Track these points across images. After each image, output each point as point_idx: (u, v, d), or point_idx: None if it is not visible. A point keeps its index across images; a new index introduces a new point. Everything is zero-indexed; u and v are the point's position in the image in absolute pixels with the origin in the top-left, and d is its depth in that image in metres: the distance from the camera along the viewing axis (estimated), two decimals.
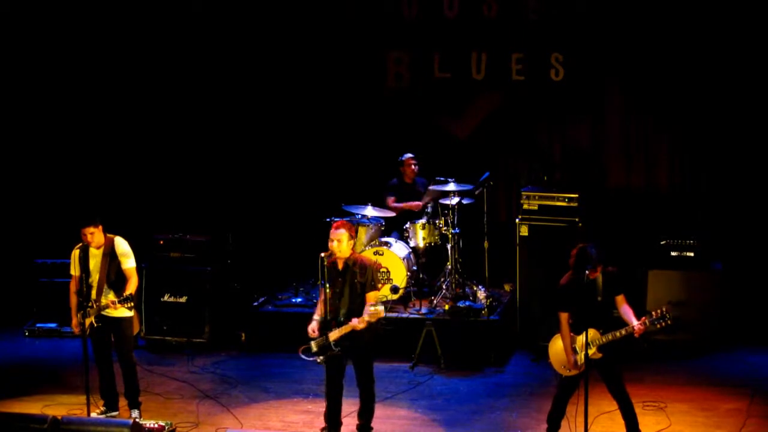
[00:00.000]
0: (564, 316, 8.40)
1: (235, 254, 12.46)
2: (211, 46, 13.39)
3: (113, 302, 9.12)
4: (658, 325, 8.17)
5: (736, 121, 12.18)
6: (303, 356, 8.81)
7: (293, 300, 11.97)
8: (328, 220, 11.31)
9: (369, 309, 8.59)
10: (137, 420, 9.00)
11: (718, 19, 12.03)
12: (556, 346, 8.53)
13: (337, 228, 8.71)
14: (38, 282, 12.33)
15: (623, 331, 8.20)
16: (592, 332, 8.24)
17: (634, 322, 8.14)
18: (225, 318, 11.89)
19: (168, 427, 9.04)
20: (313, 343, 8.73)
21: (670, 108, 12.43)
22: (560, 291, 8.39)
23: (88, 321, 9.21)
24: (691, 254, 11.38)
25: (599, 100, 12.66)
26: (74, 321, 9.31)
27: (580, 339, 8.27)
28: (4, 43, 13.42)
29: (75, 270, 9.38)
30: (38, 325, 12.34)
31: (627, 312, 8.32)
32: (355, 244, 8.99)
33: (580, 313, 8.36)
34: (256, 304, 11.94)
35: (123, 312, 9.31)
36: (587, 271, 8.17)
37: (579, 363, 8.30)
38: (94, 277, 9.32)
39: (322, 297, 8.74)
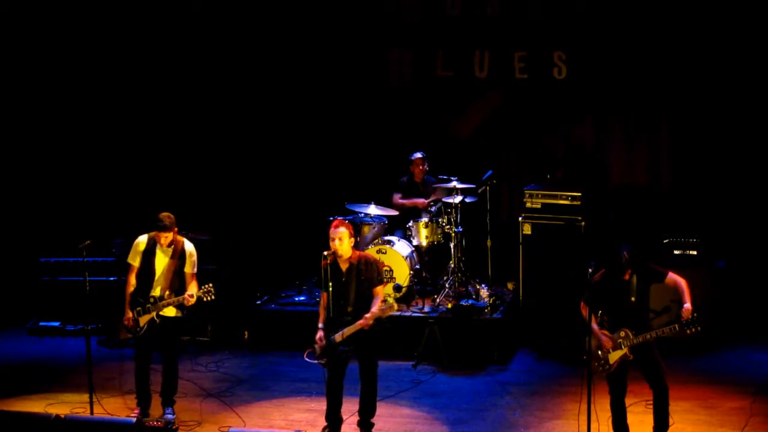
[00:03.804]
0: (585, 310, 8.39)
1: (237, 253, 12.46)
2: (211, 46, 13.38)
3: (191, 295, 9.09)
4: (688, 331, 8.17)
5: (740, 119, 12.19)
6: (308, 359, 8.85)
7: (296, 298, 11.98)
8: (330, 218, 11.32)
9: (380, 304, 8.64)
10: (140, 418, 9.02)
11: (721, 16, 12.03)
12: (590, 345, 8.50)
13: (337, 227, 8.71)
14: (41, 280, 12.33)
15: (653, 334, 8.23)
16: (624, 332, 8.27)
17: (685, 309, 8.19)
18: (228, 316, 11.89)
19: (171, 425, 9.03)
20: (317, 346, 8.76)
21: (673, 106, 12.43)
22: (589, 286, 8.37)
23: (145, 318, 9.21)
24: (694, 252, 11.39)
25: (602, 97, 12.66)
26: (128, 315, 9.27)
27: (615, 336, 8.32)
28: (4, 44, 13.42)
29: (136, 261, 9.33)
30: (41, 323, 12.35)
31: (682, 291, 8.36)
32: (356, 242, 9.00)
33: (613, 314, 8.37)
34: (259, 302, 11.95)
35: (177, 312, 9.30)
36: (618, 273, 8.19)
37: (609, 362, 8.32)
38: (159, 277, 9.27)
39: (323, 303, 8.79)
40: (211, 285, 9.21)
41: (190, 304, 9.17)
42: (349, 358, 8.82)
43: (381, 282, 8.88)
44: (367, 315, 8.59)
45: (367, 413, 8.95)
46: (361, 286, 8.74)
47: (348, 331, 8.62)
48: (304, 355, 8.90)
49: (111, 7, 13.40)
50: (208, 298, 9.18)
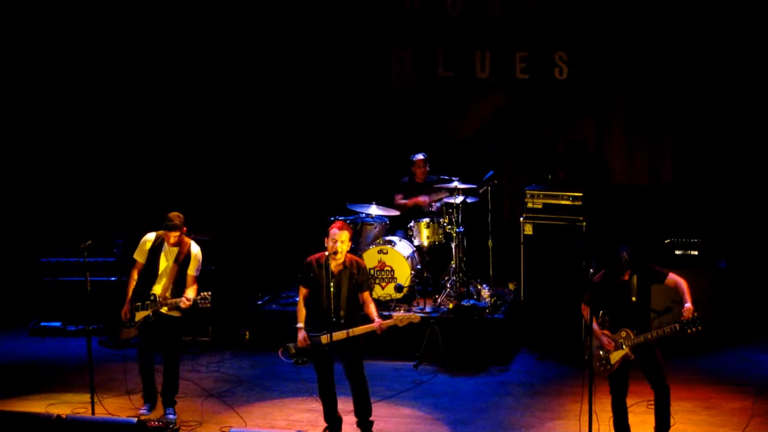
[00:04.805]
0: (586, 311, 8.40)
1: (238, 253, 12.46)
2: (211, 46, 13.38)
3: (188, 299, 9.09)
4: (689, 331, 8.17)
5: (741, 119, 12.18)
6: (282, 358, 8.83)
7: (297, 299, 11.90)
8: (331, 219, 11.33)
9: (399, 315, 8.72)
10: (141, 417, 9.03)
11: (721, 16, 12.02)
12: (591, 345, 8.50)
13: (341, 228, 8.68)
14: (42, 281, 12.32)
15: (655, 334, 8.24)
16: (625, 332, 8.27)
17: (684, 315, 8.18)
18: (229, 317, 11.89)
19: (172, 425, 9.04)
20: (291, 345, 8.76)
21: (675, 106, 12.42)
22: (589, 286, 8.37)
23: (142, 314, 9.23)
24: (695, 252, 11.38)
25: (603, 98, 12.65)
26: (125, 308, 9.32)
27: (616, 336, 8.33)
28: (4, 44, 13.42)
29: (142, 257, 9.37)
30: (42, 323, 12.34)
31: (683, 291, 8.36)
32: (356, 242, 8.99)
33: (613, 314, 8.37)
34: (259, 302, 11.95)
35: (174, 311, 9.31)
36: (618, 274, 8.20)
37: (611, 362, 8.33)
38: (162, 276, 9.29)
39: (302, 302, 8.81)
40: (209, 293, 9.22)
41: (185, 307, 9.16)
42: (334, 359, 8.82)
43: (370, 287, 8.94)
44: (383, 323, 8.60)
45: (363, 413, 8.94)
46: (352, 289, 8.74)
47: (351, 333, 8.60)
48: (279, 353, 8.88)
49: (111, 8, 13.39)
50: (205, 305, 9.18)
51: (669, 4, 12.23)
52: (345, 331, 8.61)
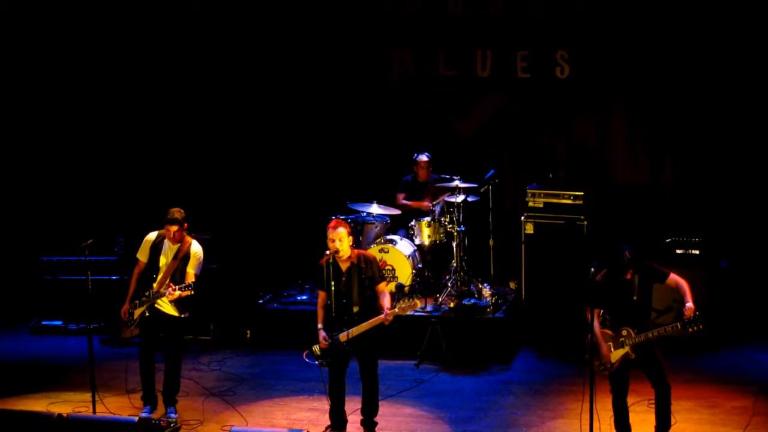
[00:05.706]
0: (595, 313, 8.40)
1: (239, 252, 12.47)
2: (211, 46, 13.38)
3: (173, 288, 9.05)
4: (690, 329, 8.18)
5: (742, 118, 12.18)
6: (307, 360, 8.84)
7: (298, 297, 11.99)
8: (332, 218, 11.33)
9: (400, 303, 8.65)
10: (143, 416, 9.04)
11: (722, 14, 12.02)
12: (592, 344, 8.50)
13: (335, 227, 8.69)
14: (43, 279, 12.33)
15: (656, 333, 8.24)
16: (626, 331, 8.28)
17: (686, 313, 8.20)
18: (230, 316, 11.90)
19: (173, 424, 9.05)
20: (315, 347, 8.76)
21: (676, 106, 12.41)
22: (593, 287, 8.37)
23: (138, 311, 9.26)
24: (697, 252, 11.38)
25: (605, 97, 12.65)
26: (125, 307, 9.36)
27: (617, 335, 8.34)
28: (4, 44, 13.42)
29: (144, 256, 9.41)
30: (43, 322, 12.35)
31: (684, 291, 8.37)
32: (358, 241, 8.97)
33: (615, 312, 8.38)
34: (261, 301, 11.96)
35: (173, 311, 9.31)
36: (620, 273, 8.20)
37: (611, 361, 8.33)
38: (163, 274, 9.31)
39: (322, 302, 8.78)
40: (191, 280, 9.23)
41: (172, 298, 9.12)
42: (350, 357, 8.83)
43: (383, 278, 8.93)
44: (388, 311, 8.57)
45: (369, 412, 8.95)
46: (364, 285, 8.74)
47: (360, 328, 8.61)
48: (303, 356, 8.89)
49: (111, 7, 13.40)
50: (187, 292, 9.13)
51: (669, 3, 12.23)
52: (354, 328, 8.60)
